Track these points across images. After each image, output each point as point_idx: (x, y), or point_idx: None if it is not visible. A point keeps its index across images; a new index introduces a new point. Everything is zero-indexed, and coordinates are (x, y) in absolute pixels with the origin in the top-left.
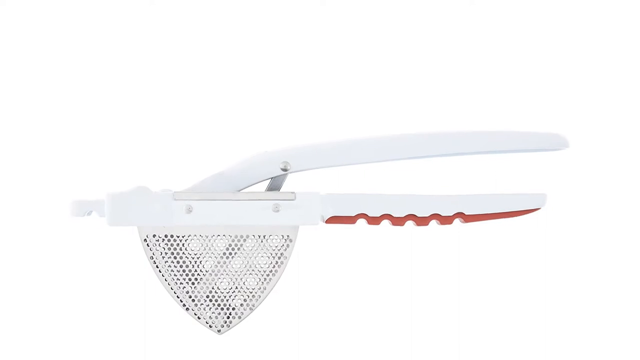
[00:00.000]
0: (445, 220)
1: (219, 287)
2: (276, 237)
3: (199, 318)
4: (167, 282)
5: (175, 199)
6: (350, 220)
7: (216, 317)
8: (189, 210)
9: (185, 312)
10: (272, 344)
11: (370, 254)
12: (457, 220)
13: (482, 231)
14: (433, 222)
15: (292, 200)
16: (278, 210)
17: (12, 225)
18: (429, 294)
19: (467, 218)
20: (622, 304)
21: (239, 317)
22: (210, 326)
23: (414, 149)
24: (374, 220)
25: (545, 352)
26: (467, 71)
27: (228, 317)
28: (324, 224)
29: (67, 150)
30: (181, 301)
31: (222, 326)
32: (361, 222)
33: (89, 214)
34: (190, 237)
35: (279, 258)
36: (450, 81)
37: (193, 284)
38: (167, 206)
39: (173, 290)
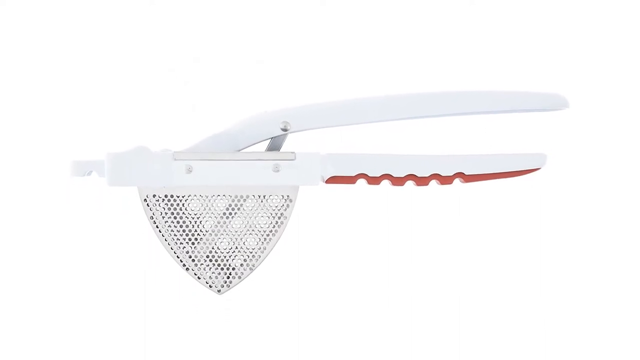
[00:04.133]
0: (445, 180)
1: (219, 247)
2: (276, 197)
3: (199, 278)
4: (167, 242)
5: (175, 159)
6: (350, 180)
7: (216, 277)
8: (189, 170)
9: (185, 272)
10: (271, 304)
11: (370, 214)
12: (457, 180)
13: (482, 191)
14: (433, 182)
15: (292, 160)
16: (278, 170)
17: (13, 185)
18: (429, 255)
19: (467, 178)
20: (620, 265)
21: (239, 277)
22: (210, 286)
23: (414, 108)
24: (374, 180)
25: (542, 307)
26: (468, 32)
27: (228, 277)
28: (324, 184)
29: (68, 110)
30: (181, 261)
31: (222, 286)
32: (361, 182)
33: (89, 174)
34: (190, 197)
35: (279, 218)
36: (451, 42)
37: (193, 244)
38: (167, 166)
39: (173, 251)
